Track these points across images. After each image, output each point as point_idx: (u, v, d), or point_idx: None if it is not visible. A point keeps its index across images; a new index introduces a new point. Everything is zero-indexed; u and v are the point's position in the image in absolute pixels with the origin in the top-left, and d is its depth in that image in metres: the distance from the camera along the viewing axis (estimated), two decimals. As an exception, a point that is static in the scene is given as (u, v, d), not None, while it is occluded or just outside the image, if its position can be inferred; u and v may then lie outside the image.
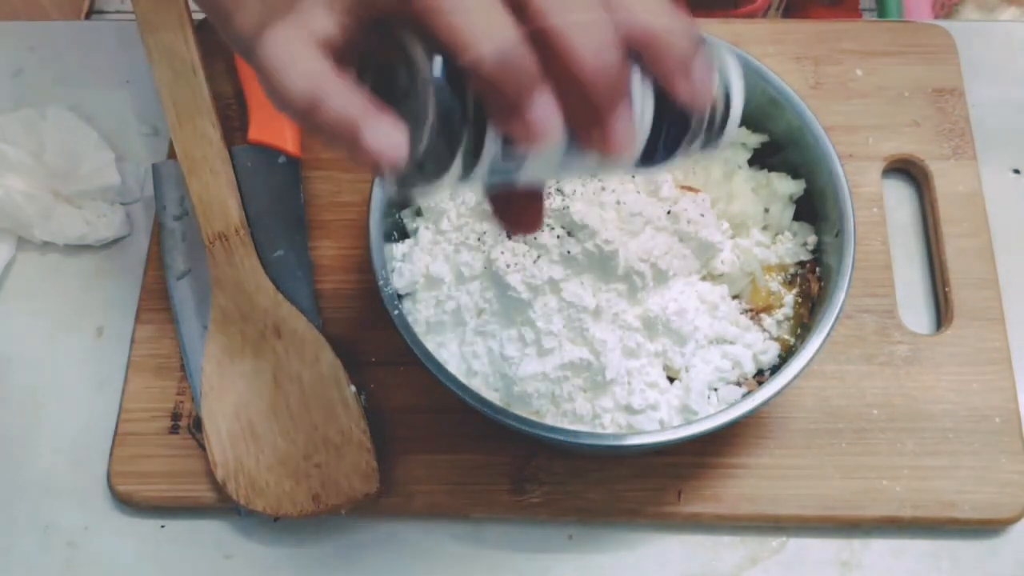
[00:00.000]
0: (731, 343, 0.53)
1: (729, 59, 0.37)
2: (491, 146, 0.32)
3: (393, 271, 0.54)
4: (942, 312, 0.59)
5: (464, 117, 0.31)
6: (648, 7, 0.31)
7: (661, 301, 0.52)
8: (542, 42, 0.30)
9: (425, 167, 0.32)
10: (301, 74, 0.31)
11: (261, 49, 0.32)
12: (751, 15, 0.78)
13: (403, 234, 0.57)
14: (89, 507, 0.56)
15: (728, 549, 0.54)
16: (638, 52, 0.32)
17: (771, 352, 0.53)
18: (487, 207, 0.40)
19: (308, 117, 0.31)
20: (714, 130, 0.37)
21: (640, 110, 0.33)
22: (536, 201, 0.40)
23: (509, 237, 0.46)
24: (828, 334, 0.49)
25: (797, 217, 0.57)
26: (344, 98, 0.31)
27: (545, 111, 0.30)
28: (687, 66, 0.32)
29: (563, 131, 0.31)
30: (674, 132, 0.35)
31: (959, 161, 0.63)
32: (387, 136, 0.30)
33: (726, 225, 0.56)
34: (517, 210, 0.39)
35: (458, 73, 0.30)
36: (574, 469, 0.55)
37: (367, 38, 0.33)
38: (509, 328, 0.52)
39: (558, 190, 0.53)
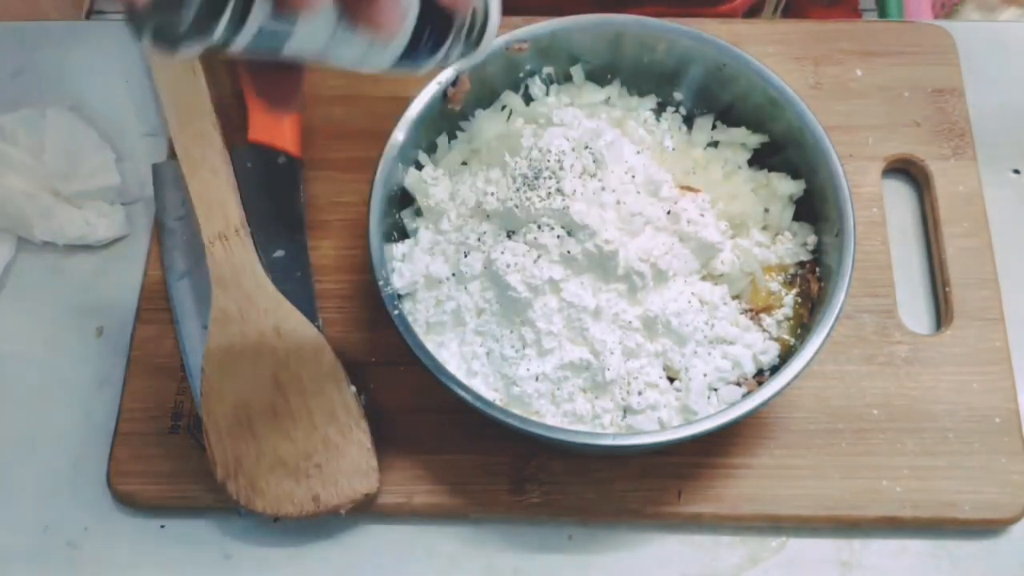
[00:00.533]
0: (731, 343, 0.53)
1: None
2: (261, 5, 0.32)
3: (393, 271, 0.54)
4: (942, 312, 0.59)
5: None
6: None
7: (661, 301, 0.52)
8: None
9: (193, 17, 0.32)
10: None
11: None
12: (730, 14, 0.78)
13: (403, 234, 0.57)
14: (89, 507, 0.56)
15: (728, 549, 0.54)
16: None
17: (771, 352, 0.53)
18: (246, 80, 0.40)
19: None
20: (473, 37, 0.40)
21: (407, 4, 0.35)
22: (295, 73, 0.40)
23: (268, 109, 0.45)
24: (828, 334, 0.49)
25: (797, 217, 0.57)
26: None
27: None
28: None
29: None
30: (436, 33, 0.38)
31: (959, 161, 0.63)
32: None
33: (726, 225, 0.56)
34: (273, 80, 0.39)
35: None
36: (574, 469, 0.55)
37: None
38: (509, 328, 0.52)
39: (558, 190, 0.53)
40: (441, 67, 0.41)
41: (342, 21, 0.34)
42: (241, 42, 0.34)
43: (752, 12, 0.86)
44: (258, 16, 0.33)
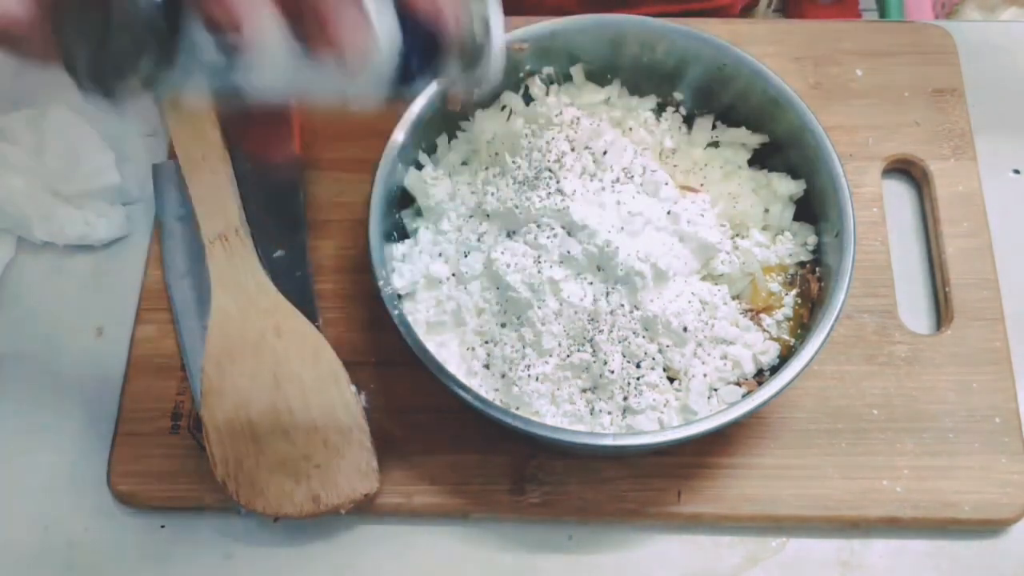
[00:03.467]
0: (731, 343, 0.53)
1: None
2: (195, 35, 0.31)
3: (393, 271, 0.54)
4: (942, 312, 0.59)
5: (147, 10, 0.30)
6: None
7: (661, 301, 0.52)
8: None
9: (121, 60, 0.31)
10: None
11: None
12: (715, 11, 0.78)
13: (403, 234, 0.57)
14: (89, 507, 0.56)
15: (728, 549, 0.54)
16: None
17: (771, 352, 0.53)
18: (227, 128, 0.38)
19: None
20: (472, 55, 0.36)
21: (383, 27, 0.33)
22: (282, 122, 0.37)
23: (251, 162, 0.42)
24: (828, 334, 0.49)
25: (797, 217, 0.57)
26: None
27: None
28: None
29: (274, 20, 0.30)
30: (422, 53, 0.35)
31: (959, 161, 0.63)
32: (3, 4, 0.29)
33: (726, 225, 0.56)
34: (260, 131, 0.37)
35: None
36: (574, 469, 0.55)
37: None
38: (509, 328, 0.52)
39: (558, 190, 0.53)
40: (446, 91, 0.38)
41: (304, 54, 0.32)
42: (190, 81, 0.32)
43: (745, 10, 0.86)
44: (193, 50, 0.31)
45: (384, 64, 0.34)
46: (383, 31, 0.33)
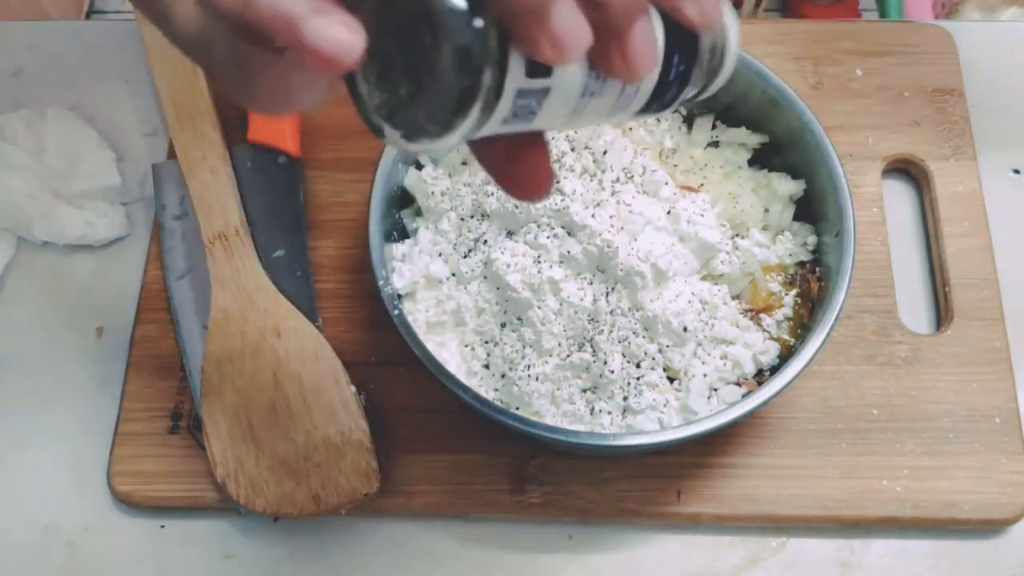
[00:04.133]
0: (731, 343, 0.53)
1: None
2: (515, 75, 0.28)
3: (393, 271, 0.54)
4: (942, 312, 0.59)
5: (484, 46, 0.27)
6: None
7: (661, 301, 0.52)
8: None
9: (442, 110, 0.28)
10: None
11: None
12: None
13: (403, 234, 0.57)
14: (89, 507, 0.56)
15: (728, 549, 0.54)
16: None
17: (771, 352, 0.53)
18: (485, 171, 0.35)
19: (241, 19, 0.27)
20: (715, 61, 0.35)
21: (660, 40, 0.31)
22: (543, 158, 0.35)
23: (514, 198, 0.38)
24: (828, 334, 0.49)
25: (797, 217, 0.57)
26: None
27: (571, 15, 0.27)
28: None
29: (589, 41, 0.28)
30: (685, 62, 0.33)
31: (959, 161, 0.63)
32: (335, 31, 0.26)
33: (726, 225, 0.56)
34: (523, 169, 0.34)
35: (475, 4, 0.26)
36: (574, 469, 0.55)
37: None
38: (509, 328, 0.52)
39: (558, 190, 0.53)
40: (681, 106, 0.35)
41: (592, 69, 0.30)
42: (494, 122, 0.29)
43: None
44: (511, 89, 0.28)
45: (654, 76, 0.32)
46: (660, 44, 0.31)
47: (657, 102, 0.33)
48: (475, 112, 0.27)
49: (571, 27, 0.27)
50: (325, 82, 0.31)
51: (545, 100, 0.29)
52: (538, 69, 0.28)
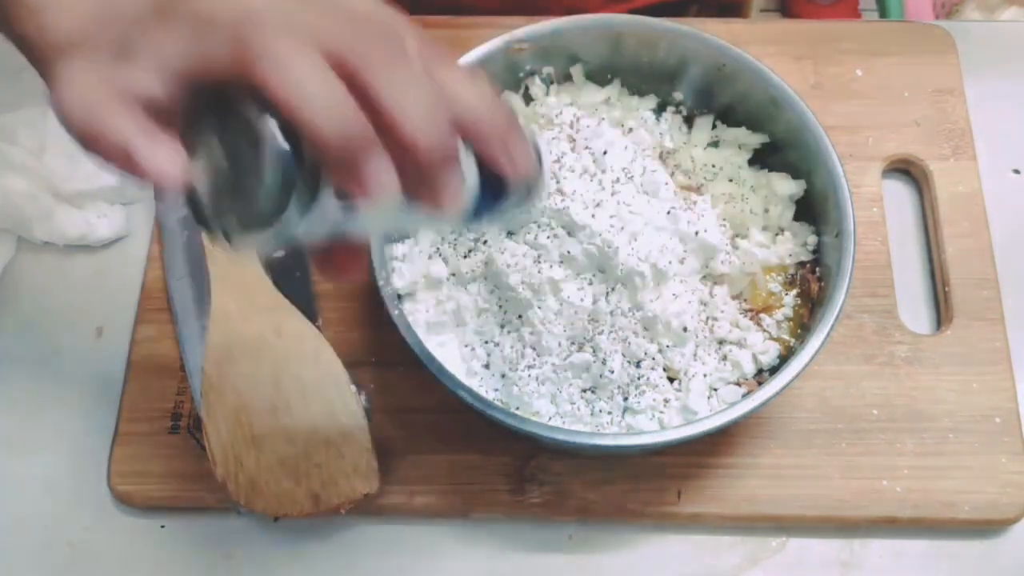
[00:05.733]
0: (731, 343, 0.53)
1: (532, 127, 0.41)
2: (327, 199, 0.33)
3: (393, 271, 0.54)
4: (942, 312, 0.59)
5: (299, 167, 0.32)
6: (472, 92, 0.35)
7: (661, 301, 0.52)
8: (377, 114, 0.32)
9: (260, 215, 0.33)
10: (82, 106, 0.33)
11: (56, 77, 0.34)
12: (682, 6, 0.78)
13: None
14: (89, 507, 0.56)
15: (728, 549, 0.54)
16: (464, 133, 0.35)
17: (771, 352, 0.53)
18: (308, 254, 0.41)
19: (89, 144, 0.33)
20: (531, 190, 0.40)
21: (465, 175, 0.36)
22: (363, 253, 0.41)
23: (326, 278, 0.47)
24: (828, 334, 0.49)
25: (797, 217, 0.57)
26: (119, 121, 0.32)
27: (381, 171, 0.32)
28: (508, 146, 0.36)
29: (398, 189, 0.33)
30: (495, 195, 0.38)
31: (959, 161, 0.63)
32: (163, 157, 0.32)
33: (726, 225, 0.56)
34: (343, 260, 0.39)
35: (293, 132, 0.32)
36: (574, 469, 0.55)
37: (198, 102, 0.34)
38: (509, 328, 0.52)
39: (558, 190, 0.53)
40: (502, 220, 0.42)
41: (404, 202, 0.35)
42: (309, 230, 0.34)
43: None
44: (323, 208, 0.33)
45: (464, 207, 0.38)
46: (470, 185, 0.37)
47: (473, 219, 0.39)
48: (287, 221, 0.32)
49: (378, 177, 0.32)
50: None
51: (358, 217, 0.35)
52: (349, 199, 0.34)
